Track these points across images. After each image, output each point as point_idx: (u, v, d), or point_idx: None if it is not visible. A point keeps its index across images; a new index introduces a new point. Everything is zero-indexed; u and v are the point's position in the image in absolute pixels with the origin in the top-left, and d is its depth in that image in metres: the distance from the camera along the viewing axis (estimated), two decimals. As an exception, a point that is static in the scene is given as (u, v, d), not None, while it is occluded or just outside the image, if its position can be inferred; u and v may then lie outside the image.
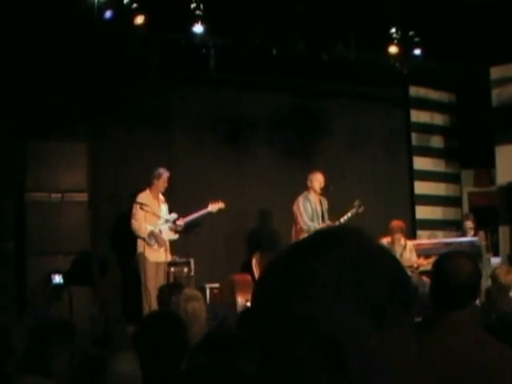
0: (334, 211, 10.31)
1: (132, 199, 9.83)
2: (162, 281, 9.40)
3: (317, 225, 10.14)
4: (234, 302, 9.49)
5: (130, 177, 10.50)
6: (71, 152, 9.47)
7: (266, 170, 11.68)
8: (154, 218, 9.66)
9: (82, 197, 9.43)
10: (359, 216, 10.30)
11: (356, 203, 10.40)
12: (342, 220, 10.18)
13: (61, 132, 9.74)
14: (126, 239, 10.25)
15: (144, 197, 9.69)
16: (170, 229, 9.80)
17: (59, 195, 9.30)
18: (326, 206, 10.40)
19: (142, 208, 9.50)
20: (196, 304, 4.23)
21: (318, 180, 10.36)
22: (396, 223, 10.94)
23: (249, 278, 10.09)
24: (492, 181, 12.97)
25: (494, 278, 7.66)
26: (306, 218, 10.13)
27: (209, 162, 11.18)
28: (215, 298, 10.28)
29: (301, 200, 10.27)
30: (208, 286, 10.53)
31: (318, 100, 12.26)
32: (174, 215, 9.83)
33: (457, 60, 11.87)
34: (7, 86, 9.36)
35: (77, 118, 10.06)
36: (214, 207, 9.99)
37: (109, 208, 10.44)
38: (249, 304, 9.47)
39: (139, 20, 9.54)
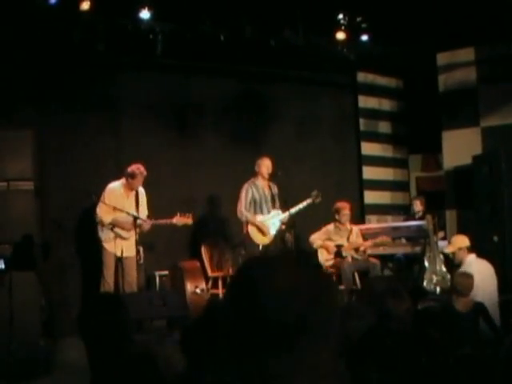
0: (283, 197, 10.27)
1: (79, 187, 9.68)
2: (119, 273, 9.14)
3: (260, 213, 10.12)
4: (184, 289, 9.47)
5: (77, 164, 10.38)
6: (16, 139, 9.27)
7: (214, 156, 11.65)
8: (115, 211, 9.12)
9: (28, 185, 9.24)
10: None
11: (314, 193, 10.28)
12: (294, 209, 10.07)
13: (5, 119, 9.56)
14: (75, 227, 10.17)
15: (113, 187, 9.26)
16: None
17: (5, 184, 9.12)
18: (276, 191, 10.31)
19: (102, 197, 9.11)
20: None
21: (265, 165, 10.23)
22: (341, 204, 10.97)
23: (197, 264, 10.06)
24: (439, 165, 13.12)
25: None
26: (242, 207, 10.08)
27: (157, 147, 11.10)
28: (165, 285, 10.27)
29: (245, 187, 10.16)
30: (157, 273, 10.52)
31: (267, 86, 12.25)
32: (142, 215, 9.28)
33: (404, 46, 11.96)
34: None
35: (22, 105, 9.90)
36: (179, 221, 9.33)
37: (56, 196, 10.27)
38: (198, 291, 9.46)
39: (85, 5, 9.39)
